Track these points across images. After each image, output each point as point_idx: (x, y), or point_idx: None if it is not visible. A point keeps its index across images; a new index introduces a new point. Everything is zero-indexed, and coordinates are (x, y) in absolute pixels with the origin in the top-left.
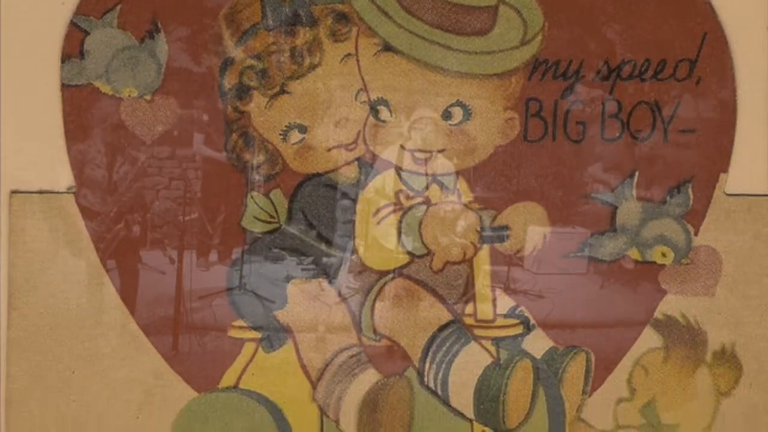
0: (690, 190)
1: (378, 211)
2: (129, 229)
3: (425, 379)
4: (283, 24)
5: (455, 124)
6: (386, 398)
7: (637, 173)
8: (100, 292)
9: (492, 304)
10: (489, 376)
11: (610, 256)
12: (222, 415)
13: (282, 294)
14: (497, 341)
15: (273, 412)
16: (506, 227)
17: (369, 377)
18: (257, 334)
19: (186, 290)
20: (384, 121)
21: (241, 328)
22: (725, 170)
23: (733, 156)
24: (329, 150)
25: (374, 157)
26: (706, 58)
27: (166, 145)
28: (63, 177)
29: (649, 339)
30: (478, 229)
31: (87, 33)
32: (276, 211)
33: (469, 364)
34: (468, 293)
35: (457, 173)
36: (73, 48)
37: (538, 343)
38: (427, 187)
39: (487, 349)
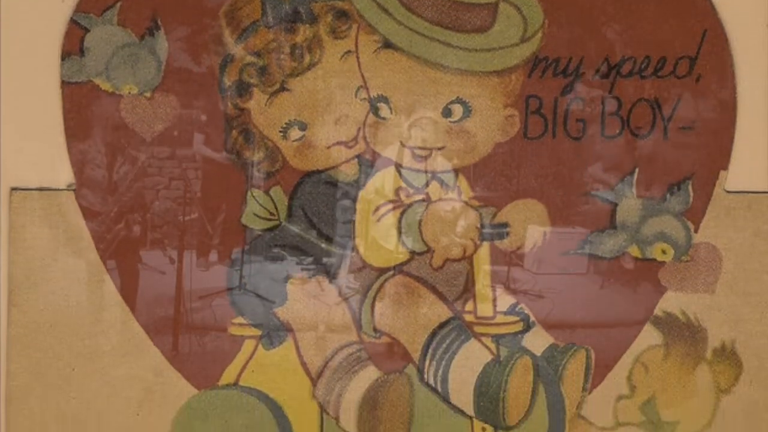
0: (690, 188)
1: (378, 208)
2: (129, 229)
3: (425, 376)
4: (283, 21)
5: (455, 122)
6: (386, 395)
7: (637, 170)
8: (100, 290)
9: (492, 301)
10: (489, 373)
11: (611, 253)
12: (222, 413)
13: (282, 293)
14: (497, 338)
15: (273, 410)
16: (506, 224)
17: (369, 374)
18: (257, 332)
19: (186, 290)
20: (384, 119)
21: (240, 325)
22: (725, 167)
23: (733, 153)
24: (329, 147)
25: (374, 154)
26: (706, 56)
27: (166, 145)
28: (63, 174)
29: (649, 336)
30: (478, 226)
31: (87, 30)
32: (276, 209)
33: (469, 361)
34: (468, 290)
35: (457, 170)
36: (73, 45)
37: (538, 341)
38: (427, 185)
39: (487, 347)
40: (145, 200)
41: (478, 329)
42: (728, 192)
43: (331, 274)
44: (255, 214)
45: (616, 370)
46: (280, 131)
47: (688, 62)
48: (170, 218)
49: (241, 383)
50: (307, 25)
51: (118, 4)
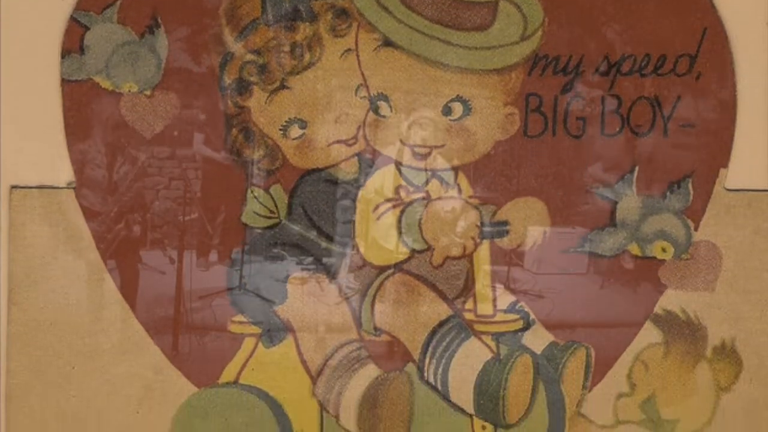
0: (690, 186)
1: (377, 207)
2: (129, 229)
3: (425, 374)
4: (283, 19)
5: (455, 120)
6: (386, 393)
7: (637, 168)
8: (100, 288)
9: (492, 300)
10: (489, 371)
11: (611, 251)
12: (222, 411)
13: (282, 293)
14: (497, 336)
15: (273, 408)
16: (506, 222)
17: (369, 372)
18: (257, 329)
19: (186, 290)
20: (384, 117)
21: (240, 323)
22: (725, 165)
23: (733, 151)
24: (329, 145)
25: (374, 152)
26: (706, 54)
27: (166, 145)
28: (63, 172)
29: (649, 334)
30: (478, 224)
31: (87, 28)
32: (276, 207)
33: (469, 359)
34: (468, 288)
35: (457, 168)
36: (73, 43)
37: (538, 339)
38: (427, 183)
39: (487, 345)
40: (145, 200)
41: (478, 327)
42: (728, 190)
43: (331, 274)
44: (255, 213)
45: (616, 368)
46: (280, 129)
47: (688, 60)
48: (170, 218)
49: (241, 381)
50: (307, 23)
51: (118, 2)
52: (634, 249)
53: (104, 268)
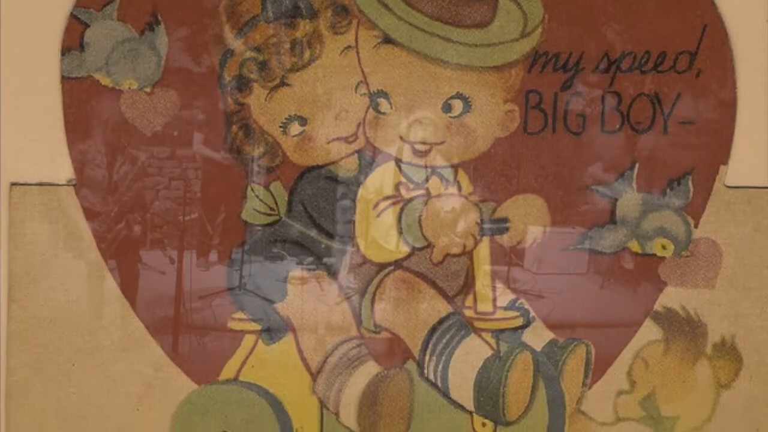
0: (690, 183)
1: (377, 204)
2: (129, 229)
3: (425, 371)
4: (283, 16)
5: (455, 117)
6: (386, 391)
7: (637, 165)
8: (100, 285)
9: (492, 292)
10: (489, 368)
11: (611, 248)
12: (222, 408)
13: (282, 292)
14: (497, 334)
15: (273, 405)
16: (506, 219)
17: (369, 369)
18: (257, 326)
19: (186, 290)
20: (384, 114)
21: (240, 320)
22: (725, 162)
23: (733, 148)
24: (329, 142)
25: (374, 149)
26: (706, 51)
27: (166, 145)
28: (63, 170)
29: (649, 331)
30: (478, 221)
31: (87, 25)
32: (276, 204)
33: (469, 356)
34: (468, 285)
35: (457, 165)
36: (73, 40)
37: (538, 336)
38: (427, 180)
39: (487, 342)
40: (145, 200)
41: (478, 324)
42: (728, 187)
43: (331, 273)
44: (255, 210)
45: (616, 366)
46: (280, 126)
47: (688, 57)
48: (170, 218)
49: (241, 378)
50: (307, 21)
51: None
52: (634, 246)
53: (104, 264)
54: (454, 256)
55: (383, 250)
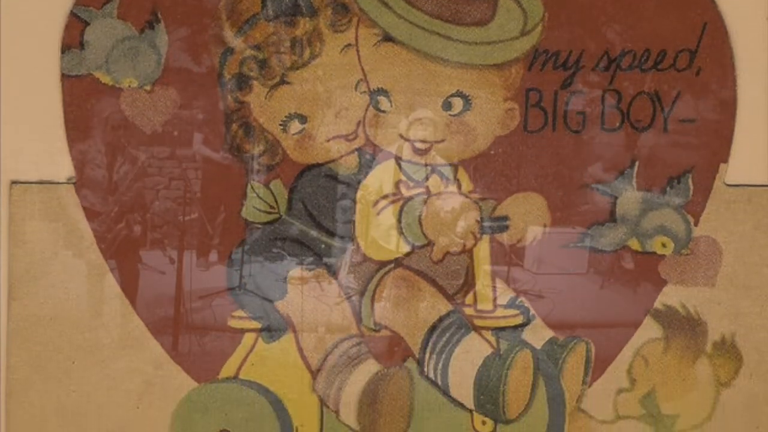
0: (690, 181)
1: (377, 202)
2: (129, 229)
3: (425, 369)
4: (283, 14)
5: (455, 115)
6: (386, 389)
7: (637, 164)
8: (100, 283)
9: (492, 292)
10: (489, 366)
11: (611, 246)
12: (222, 406)
13: (282, 292)
14: (497, 332)
15: (273, 403)
16: (506, 217)
17: (369, 368)
18: (257, 324)
19: (186, 290)
20: (384, 112)
21: (240, 318)
22: (725, 161)
23: (733, 146)
24: (329, 140)
25: (374, 147)
26: (706, 49)
27: (166, 145)
28: (63, 168)
29: (649, 329)
30: (478, 219)
31: (87, 23)
32: (276, 202)
33: (469, 354)
34: (468, 284)
35: (457, 164)
36: (73, 38)
37: (538, 334)
38: (427, 178)
39: (487, 340)
40: (145, 200)
41: (478, 323)
42: (728, 185)
43: (331, 272)
44: (255, 208)
45: (616, 364)
46: (280, 124)
47: (688, 55)
48: (170, 218)
49: (241, 376)
50: (307, 19)
51: None
52: (634, 244)
53: (104, 262)
54: (454, 254)
55: (383, 249)
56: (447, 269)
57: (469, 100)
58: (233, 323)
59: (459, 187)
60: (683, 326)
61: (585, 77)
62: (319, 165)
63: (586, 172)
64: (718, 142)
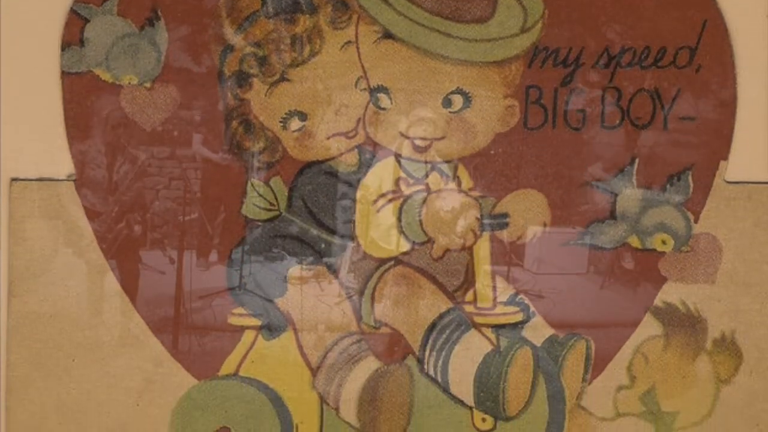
0: (690, 178)
1: (377, 200)
2: (129, 228)
3: (425, 366)
4: (283, 11)
5: (455, 112)
6: (386, 386)
7: (637, 161)
8: (100, 280)
9: (492, 292)
10: (489, 363)
11: (611, 243)
12: (222, 403)
13: (282, 291)
14: (497, 329)
15: (273, 400)
16: (506, 215)
17: (369, 365)
18: (257, 322)
19: (186, 290)
20: (384, 109)
21: (240, 315)
22: (725, 158)
23: (733, 143)
24: (329, 138)
25: (374, 144)
26: (706, 46)
27: (166, 145)
28: (63, 165)
29: (649, 327)
30: (478, 216)
31: (87, 20)
32: (276, 199)
33: (469, 351)
34: (468, 281)
35: (457, 161)
36: (73, 35)
37: (538, 331)
38: (426, 175)
39: (487, 337)
40: (145, 200)
41: (478, 320)
42: (728, 182)
43: (331, 271)
44: (255, 205)
45: (616, 361)
46: (280, 121)
47: (688, 53)
48: (170, 218)
49: (241, 374)
50: (307, 16)
51: None
52: (634, 241)
53: (104, 260)
54: (455, 251)
55: (383, 249)
56: (447, 266)
57: (469, 97)
58: (233, 320)
59: (459, 184)
60: (683, 323)
61: (585, 74)
62: (319, 162)
63: (585, 170)
64: (718, 139)
